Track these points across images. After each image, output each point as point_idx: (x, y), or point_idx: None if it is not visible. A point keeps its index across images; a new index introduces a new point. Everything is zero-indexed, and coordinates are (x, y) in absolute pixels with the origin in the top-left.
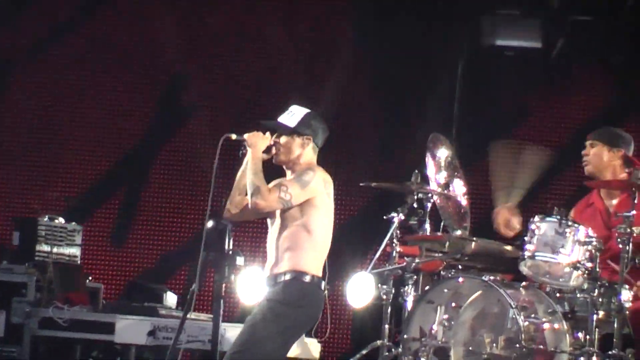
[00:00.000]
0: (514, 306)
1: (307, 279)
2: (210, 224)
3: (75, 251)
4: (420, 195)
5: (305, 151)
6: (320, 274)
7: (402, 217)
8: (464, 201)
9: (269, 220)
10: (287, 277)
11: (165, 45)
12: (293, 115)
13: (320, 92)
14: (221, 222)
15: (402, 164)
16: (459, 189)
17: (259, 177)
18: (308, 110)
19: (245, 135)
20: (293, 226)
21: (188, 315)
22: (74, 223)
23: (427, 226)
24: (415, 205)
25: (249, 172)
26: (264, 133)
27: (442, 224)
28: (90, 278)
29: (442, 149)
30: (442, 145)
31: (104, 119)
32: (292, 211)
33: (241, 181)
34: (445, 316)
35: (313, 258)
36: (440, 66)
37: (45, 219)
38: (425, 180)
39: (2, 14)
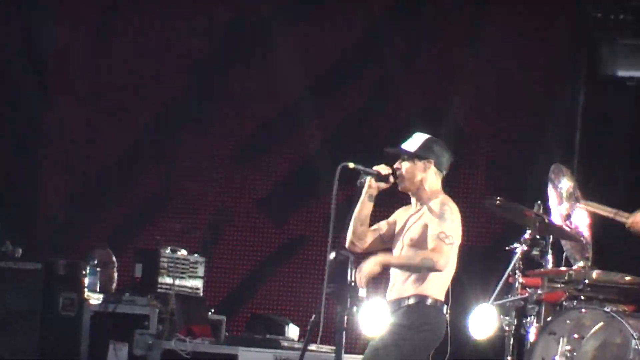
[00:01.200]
0: (636, 337)
1: (430, 302)
2: (332, 255)
3: (198, 283)
4: (542, 226)
5: (428, 175)
6: (443, 299)
7: (525, 248)
8: (586, 232)
9: (396, 242)
10: (411, 301)
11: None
12: (415, 141)
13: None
14: (343, 254)
15: (524, 194)
16: (580, 220)
17: (410, 260)
18: (429, 136)
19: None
20: (420, 251)
21: (310, 347)
22: (196, 255)
23: (549, 257)
24: (537, 236)
25: (402, 267)
26: (388, 160)
27: (564, 254)
28: (212, 310)
29: (564, 179)
30: (564, 176)
31: (223, 150)
32: (421, 239)
33: (362, 212)
34: (568, 347)
35: (437, 283)
36: (562, 96)
37: (168, 250)
38: (546, 211)
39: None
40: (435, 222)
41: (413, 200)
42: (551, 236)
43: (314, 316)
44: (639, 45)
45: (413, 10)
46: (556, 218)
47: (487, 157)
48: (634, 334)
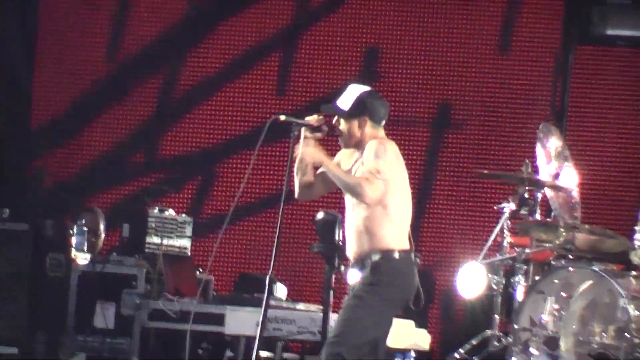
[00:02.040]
0: (624, 296)
1: (396, 255)
2: (319, 215)
3: (186, 243)
4: (530, 185)
5: (365, 130)
6: (406, 246)
7: (513, 207)
8: (575, 192)
9: (346, 201)
10: (375, 257)
11: None
12: (348, 96)
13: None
14: (331, 213)
15: (513, 154)
16: (570, 179)
17: (349, 178)
18: (363, 90)
19: (301, 154)
20: (366, 205)
21: (298, 306)
22: (184, 215)
23: (538, 216)
24: (526, 195)
25: (337, 181)
26: (324, 117)
27: (552, 214)
28: (200, 270)
29: (552, 139)
30: (553, 136)
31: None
32: None
33: (301, 163)
34: (556, 306)
35: (394, 232)
36: (550, 55)
37: (155, 210)
38: (535, 170)
39: None
40: (370, 159)
41: (356, 151)
42: (540, 195)
43: (270, 272)
44: (629, 5)
45: None
46: (545, 177)
47: (477, 118)
48: (623, 292)
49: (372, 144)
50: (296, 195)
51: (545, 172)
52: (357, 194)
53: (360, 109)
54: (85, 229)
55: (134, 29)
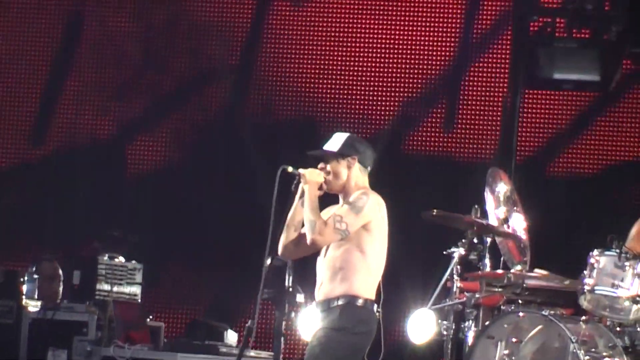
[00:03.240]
0: (574, 341)
1: (360, 302)
2: (268, 260)
3: (136, 290)
4: (479, 230)
5: (353, 173)
6: (373, 297)
7: (462, 252)
8: (523, 236)
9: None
10: (340, 302)
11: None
12: (336, 141)
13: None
14: (280, 259)
15: (461, 198)
16: (518, 223)
17: (315, 213)
18: (349, 134)
19: (301, 171)
20: (346, 246)
21: (249, 353)
22: (134, 262)
23: (487, 261)
24: (475, 240)
25: (306, 210)
26: (315, 166)
27: (502, 258)
28: (150, 317)
29: (501, 183)
30: (501, 180)
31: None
32: None
33: (295, 217)
34: (506, 351)
35: (366, 281)
36: (498, 99)
37: (105, 257)
38: (484, 214)
39: None
40: (344, 207)
41: (340, 198)
42: (489, 239)
43: (249, 322)
44: (575, 48)
45: None
46: (494, 222)
47: (426, 162)
48: (572, 337)
49: (356, 194)
50: (280, 253)
51: (493, 217)
52: (310, 230)
53: (349, 149)
54: (35, 276)
55: None
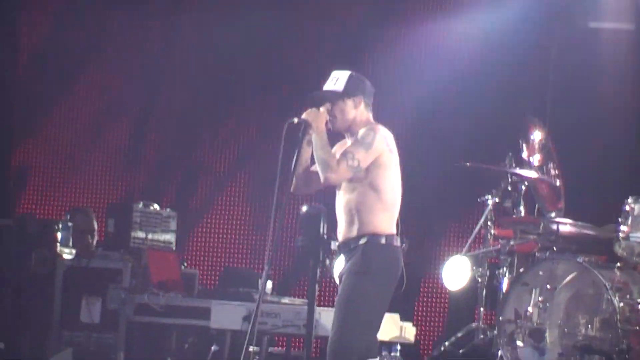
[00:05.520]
0: (609, 287)
1: (383, 240)
2: (304, 208)
3: (170, 237)
4: (514, 177)
5: (359, 111)
6: (394, 231)
7: (497, 200)
8: (557, 183)
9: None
10: (361, 241)
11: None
12: (337, 80)
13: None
14: (315, 207)
15: (496, 147)
16: (552, 171)
17: (326, 151)
18: (349, 72)
19: (304, 115)
20: (360, 188)
21: (283, 300)
22: (168, 209)
23: (522, 208)
24: (509, 187)
25: (316, 149)
26: (316, 107)
27: (536, 206)
28: (185, 264)
29: (536, 131)
30: (536, 128)
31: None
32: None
33: (303, 155)
34: (540, 298)
35: (384, 217)
36: (534, 49)
37: (140, 205)
38: (519, 163)
39: None
40: (354, 144)
41: (347, 136)
42: (523, 187)
43: (266, 267)
44: None
45: None
46: (528, 169)
47: (460, 111)
48: (607, 284)
49: (363, 130)
50: (292, 189)
51: (528, 165)
52: (322, 169)
53: (354, 88)
54: (70, 224)
55: None
